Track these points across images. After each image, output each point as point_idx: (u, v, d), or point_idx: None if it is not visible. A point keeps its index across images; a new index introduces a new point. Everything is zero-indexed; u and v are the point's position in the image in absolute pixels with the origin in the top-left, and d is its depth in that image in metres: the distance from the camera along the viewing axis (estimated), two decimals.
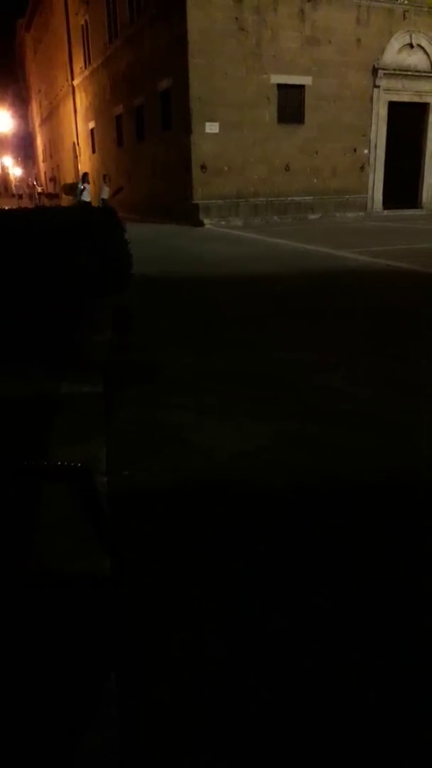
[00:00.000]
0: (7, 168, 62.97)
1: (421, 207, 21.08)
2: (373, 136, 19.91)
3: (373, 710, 1.40)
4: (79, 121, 31.57)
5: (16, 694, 1.47)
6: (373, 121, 19.76)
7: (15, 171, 60.59)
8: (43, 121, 45.31)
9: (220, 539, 2.08)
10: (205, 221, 17.46)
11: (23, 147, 59.00)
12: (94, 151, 29.26)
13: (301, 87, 18.47)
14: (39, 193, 31.68)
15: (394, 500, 2.34)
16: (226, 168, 18.00)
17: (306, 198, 19.32)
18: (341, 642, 1.61)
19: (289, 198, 19.09)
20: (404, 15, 19.19)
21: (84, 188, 18.19)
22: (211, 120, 17.50)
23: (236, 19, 17.16)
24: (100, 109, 27.17)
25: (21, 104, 59.55)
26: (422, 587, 1.83)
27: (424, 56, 19.92)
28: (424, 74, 20.00)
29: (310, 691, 1.46)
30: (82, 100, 30.52)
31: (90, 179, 29.53)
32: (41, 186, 33.49)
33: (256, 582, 1.85)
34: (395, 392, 3.54)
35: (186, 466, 2.61)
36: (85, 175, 19.52)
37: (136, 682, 1.48)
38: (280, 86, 18.12)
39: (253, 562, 1.95)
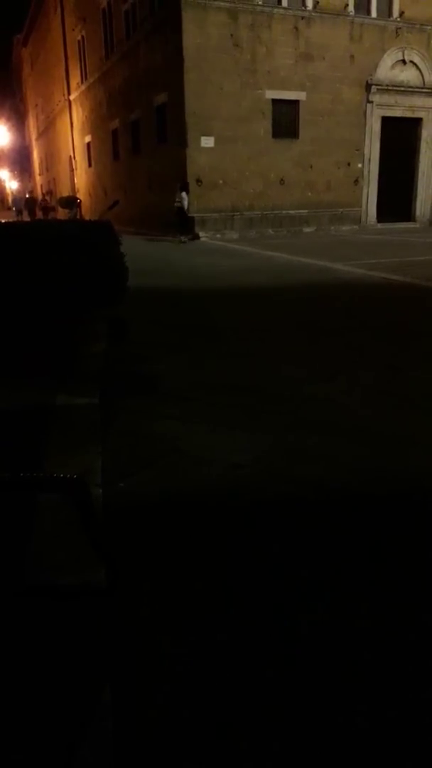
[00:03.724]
0: (4, 181, 63.26)
1: (414, 220, 21.27)
2: (366, 150, 20.13)
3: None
4: (75, 135, 31.80)
5: (11, 707, 1.46)
6: (367, 135, 19.99)
7: (11, 184, 60.88)
8: (40, 135, 45.60)
9: (215, 551, 2.08)
10: (201, 234, 17.57)
11: (20, 161, 59.30)
12: (90, 165, 29.46)
13: (296, 102, 18.69)
14: (43, 207, 31.62)
15: (390, 510, 2.35)
16: (221, 181, 18.15)
17: (301, 211, 19.48)
18: (343, 647, 1.61)
19: (284, 211, 19.24)
20: (397, 32, 19.49)
21: (184, 197, 16.88)
22: (207, 134, 17.68)
23: (231, 35, 17.39)
24: (96, 124, 27.39)
25: (18, 118, 59.94)
26: (419, 596, 1.84)
27: (417, 72, 20.20)
28: (416, 89, 20.28)
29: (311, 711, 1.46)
30: (78, 115, 30.76)
31: (84, 193, 29.70)
32: (44, 201, 33.40)
33: (251, 593, 1.86)
34: (389, 404, 3.56)
35: (181, 478, 2.62)
36: (185, 185, 17.25)
37: (132, 692, 1.48)
38: (274, 101, 18.34)
39: (248, 574, 1.96)
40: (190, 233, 16.65)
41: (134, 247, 8.04)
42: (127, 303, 4.99)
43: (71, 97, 31.48)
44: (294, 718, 1.42)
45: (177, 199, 16.74)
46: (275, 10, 17.86)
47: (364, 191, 20.47)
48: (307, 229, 19.39)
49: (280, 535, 2.16)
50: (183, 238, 16.29)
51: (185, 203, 16.71)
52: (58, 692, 1.49)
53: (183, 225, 16.64)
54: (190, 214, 17.64)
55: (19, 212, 31.98)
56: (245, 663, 1.58)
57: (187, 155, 17.61)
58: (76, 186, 31.96)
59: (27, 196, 38.75)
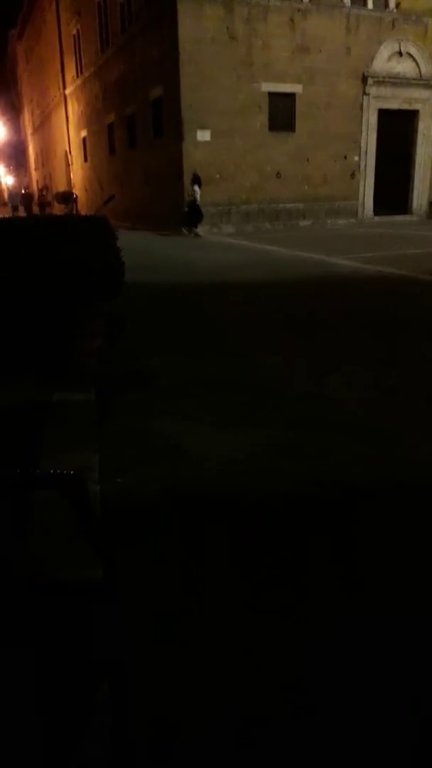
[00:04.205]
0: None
1: (411, 213, 21.21)
2: (363, 143, 20.04)
3: None
4: (71, 129, 31.63)
5: (10, 706, 1.45)
6: (363, 128, 19.90)
7: (7, 180, 60.60)
8: (35, 130, 45.38)
9: (214, 549, 2.07)
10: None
11: (15, 156, 59.04)
12: (86, 160, 29.32)
13: (292, 95, 18.59)
14: (40, 203, 31.39)
15: (390, 508, 2.34)
16: (217, 175, 18.07)
17: (297, 205, 19.42)
18: (339, 642, 1.60)
19: (281, 205, 19.18)
20: (393, 24, 19.37)
21: (196, 190, 16.84)
22: (203, 128, 17.59)
23: (227, 28, 17.27)
24: (92, 118, 27.24)
25: (13, 113, 59.61)
26: (419, 595, 1.83)
27: (413, 64, 20.09)
28: (413, 82, 20.17)
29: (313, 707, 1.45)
30: (74, 109, 30.60)
31: (78, 189, 29.59)
32: (41, 196, 33.26)
33: (251, 593, 1.85)
34: (388, 401, 3.55)
35: (178, 474, 2.60)
36: (197, 178, 16.95)
37: (132, 692, 1.47)
38: (270, 94, 18.24)
39: (248, 573, 1.95)
40: (197, 228, 16.68)
41: (130, 242, 7.97)
42: (124, 298, 4.96)
43: (67, 92, 31.28)
44: (294, 718, 1.41)
45: (190, 192, 16.81)
46: (271, 2, 17.73)
47: (361, 184, 20.40)
48: (303, 223, 19.34)
49: (279, 534, 2.15)
50: (185, 230, 16.39)
51: (197, 196, 16.75)
52: (57, 691, 1.48)
53: (194, 218, 16.69)
54: (186, 209, 17.57)
55: (15, 208, 31.82)
56: (245, 663, 1.57)
57: (183, 149, 17.53)
58: (72, 181, 31.81)
59: (23, 191, 38.57)
